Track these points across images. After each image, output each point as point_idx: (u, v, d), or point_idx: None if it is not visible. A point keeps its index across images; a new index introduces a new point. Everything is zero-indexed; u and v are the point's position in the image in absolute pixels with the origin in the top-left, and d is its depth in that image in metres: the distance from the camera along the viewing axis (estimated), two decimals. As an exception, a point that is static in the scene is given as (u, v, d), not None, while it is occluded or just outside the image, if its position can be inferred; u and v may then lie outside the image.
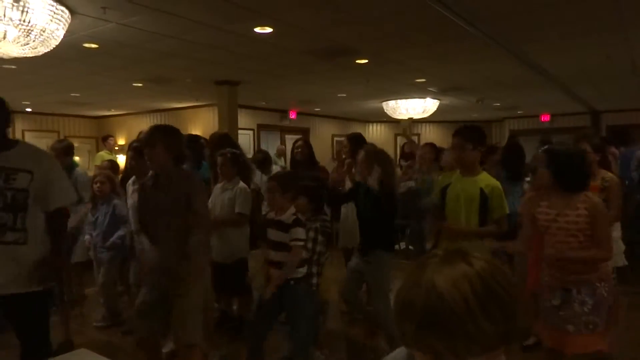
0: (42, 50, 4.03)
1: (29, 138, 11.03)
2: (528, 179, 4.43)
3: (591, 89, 8.46)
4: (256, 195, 4.27)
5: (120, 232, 4.22)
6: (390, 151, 13.48)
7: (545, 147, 2.85)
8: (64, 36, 4.05)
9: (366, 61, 5.96)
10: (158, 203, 2.85)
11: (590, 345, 2.51)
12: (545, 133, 10.37)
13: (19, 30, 3.63)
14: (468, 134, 3.12)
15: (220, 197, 3.88)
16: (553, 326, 2.62)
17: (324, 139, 12.74)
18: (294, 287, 3.09)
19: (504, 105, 10.54)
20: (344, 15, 4.19)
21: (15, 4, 3.45)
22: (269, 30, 4.57)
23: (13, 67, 5.91)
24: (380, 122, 13.98)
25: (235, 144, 4.44)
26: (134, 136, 7.35)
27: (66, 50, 4.97)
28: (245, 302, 4.11)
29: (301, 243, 3.11)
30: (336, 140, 12.96)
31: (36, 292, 2.43)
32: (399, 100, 9.58)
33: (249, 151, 10.29)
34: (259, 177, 5.17)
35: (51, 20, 3.71)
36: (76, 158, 10.51)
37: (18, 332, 2.48)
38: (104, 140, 9.39)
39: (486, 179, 3.12)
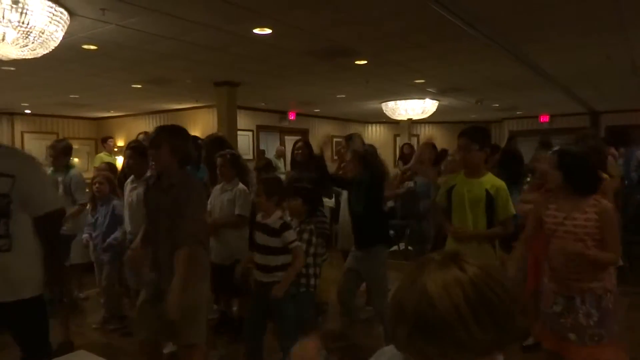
0: (41, 51, 4.02)
1: (28, 140, 11.05)
2: (528, 179, 4.43)
3: (591, 90, 8.46)
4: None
5: (115, 234, 4.21)
6: (389, 152, 13.58)
7: (556, 148, 2.78)
8: (63, 38, 4.04)
9: (365, 62, 5.96)
10: (159, 203, 2.84)
11: (594, 356, 2.46)
12: (545, 134, 10.39)
13: (18, 32, 3.63)
14: (474, 135, 3.11)
15: (220, 199, 3.89)
16: (553, 331, 2.58)
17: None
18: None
19: (503, 105, 10.54)
20: (343, 16, 4.19)
21: (14, 6, 3.44)
22: (268, 31, 4.57)
23: (12, 68, 5.91)
24: (380, 122, 13.98)
25: (229, 147, 4.45)
26: (134, 137, 7.33)
27: (65, 52, 4.97)
28: (244, 303, 4.10)
29: (298, 243, 3.17)
30: (335, 141, 12.96)
31: (26, 300, 2.35)
32: (398, 101, 9.58)
33: (248, 152, 10.32)
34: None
35: (50, 22, 3.70)
36: (75, 159, 10.54)
37: (14, 338, 2.43)
38: (104, 141, 9.37)
39: (491, 180, 3.10)
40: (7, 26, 3.55)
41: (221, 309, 4.41)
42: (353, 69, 6.31)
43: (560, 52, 5.63)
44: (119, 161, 8.63)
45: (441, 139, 12.13)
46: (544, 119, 12.40)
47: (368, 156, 3.73)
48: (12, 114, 10.84)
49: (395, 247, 6.91)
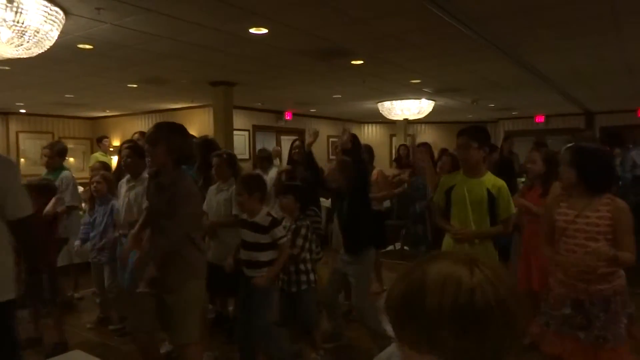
0: (36, 51, 4.00)
1: (23, 139, 11.00)
2: (523, 180, 4.45)
3: (586, 90, 8.50)
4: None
5: (109, 235, 4.19)
6: (385, 152, 13.59)
7: (570, 144, 2.66)
8: (58, 37, 4.03)
9: (362, 62, 5.97)
10: (154, 202, 2.84)
11: (598, 358, 2.42)
12: (540, 134, 10.44)
13: (13, 31, 3.60)
14: (473, 133, 3.11)
15: (216, 198, 3.89)
16: (559, 334, 2.51)
17: (320, 140, 12.69)
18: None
19: (499, 106, 10.57)
20: (340, 16, 4.19)
21: (9, 5, 3.42)
22: (264, 31, 4.56)
23: (7, 68, 5.88)
24: (376, 123, 14.00)
25: (219, 148, 4.46)
26: (129, 137, 7.33)
27: (60, 51, 4.95)
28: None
29: (285, 240, 3.22)
30: (331, 141, 12.97)
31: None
32: (394, 101, 9.60)
33: (244, 152, 10.32)
34: None
35: (45, 21, 3.69)
36: (71, 159, 10.49)
37: None
38: (99, 141, 9.34)
39: (492, 180, 3.09)
40: (2, 25, 3.53)
41: (217, 309, 4.41)
42: (349, 69, 6.31)
43: (555, 53, 5.65)
44: (115, 161, 8.59)
45: (438, 139, 12.19)
46: (540, 119, 12.44)
47: (348, 167, 3.73)
48: (6, 114, 10.79)
49: (391, 247, 6.93)
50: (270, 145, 11.09)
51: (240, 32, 4.62)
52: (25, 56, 4.07)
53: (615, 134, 8.21)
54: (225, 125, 7.54)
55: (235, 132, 8.08)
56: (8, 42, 3.71)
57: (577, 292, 2.46)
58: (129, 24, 4.30)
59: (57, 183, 4.48)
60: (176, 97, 8.93)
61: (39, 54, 4.14)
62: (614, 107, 10.88)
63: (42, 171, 5.06)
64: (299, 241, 3.45)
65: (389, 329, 0.93)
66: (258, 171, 5.55)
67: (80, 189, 5.37)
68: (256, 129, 11.04)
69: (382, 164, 8.99)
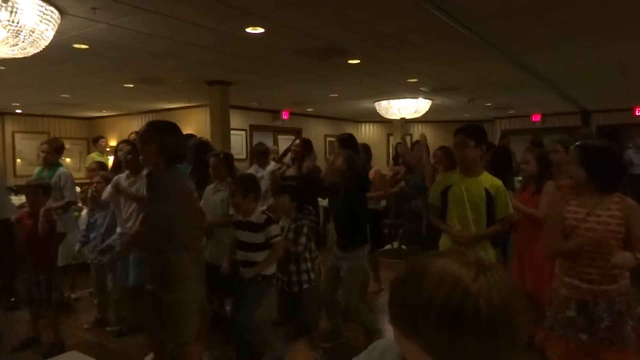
0: (31, 51, 3.98)
1: (19, 140, 10.96)
2: (519, 178, 4.45)
3: (582, 90, 8.52)
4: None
5: (113, 237, 4.16)
6: (382, 151, 13.58)
7: (579, 142, 2.60)
8: (53, 37, 4.01)
9: (358, 61, 5.96)
10: (148, 201, 2.84)
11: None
12: (537, 133, 10.46)
13: (8, 31, 3.59)
14: (470, 132, 3.10)
15: (213, 199, 3.88)
16: (563, 337, 2.49)
17: (317, 139, 12.70)
18: (261, 282, 3.20)
19: (496, 105, 10.58)
20: (336, 15, 4.18)
21: (4, 5, 3.41)
22: (260, 30, 4.55)
23: (2, 68, 5.85)
24: (373, 122, 14.00)
25: (213, 150, 4.46)
26: (125, 137, 7.31)
27: (56, 51, 4.92)
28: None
29: (280, 238, 3.22)
30: (328, 141, 12.96)
31: None
32: (391, 100, 9.59)
33: (241, 152, 10.30)
34: (253, 170, 5.40)
35: (40, 21, 3.67)
36: (67, 159, 10.44)
37: None
38: (95, 141, 9.30)
39: (490, 179, 3.08)
40: (-3, 25, 3.52)
41: (214, 309, 4.40)
42: (346, 68, 6.31)
43: (552, 53, 5.66)
44: (111, 161, 8.56)
45: (435, 138, 12.18)
46: (536, 118, 12.47)
47: (347, 171, 3.74)
48: (2, 114, 10.74)
49: (388, 246, 6.93)
50: (268, 145, 11.09)
51: (236, 32, 4.61)
52: (20, 56, 4.05)
53: (612, 133, 8.24)
54: (222, 125, 7.53)
55: (232, 132, 8.07)
56: (3, 41, 3.69)
57: (582, 293, 2.43)
58: (125, 23, 4.29)
59: (54, 180, 4.47)
60: (173, 96, 8.90)
61: (35, 54, 4.12)
62: (610, 105, 10.92)
63: (36, 169, 5.03)
64: (302, 239, 3.43)
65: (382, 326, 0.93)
66: (254, 167, 5.58)
67: (77, 189, 5.35)
68: (253, 128, 11.02)
69: (379, 163, 8.99)
